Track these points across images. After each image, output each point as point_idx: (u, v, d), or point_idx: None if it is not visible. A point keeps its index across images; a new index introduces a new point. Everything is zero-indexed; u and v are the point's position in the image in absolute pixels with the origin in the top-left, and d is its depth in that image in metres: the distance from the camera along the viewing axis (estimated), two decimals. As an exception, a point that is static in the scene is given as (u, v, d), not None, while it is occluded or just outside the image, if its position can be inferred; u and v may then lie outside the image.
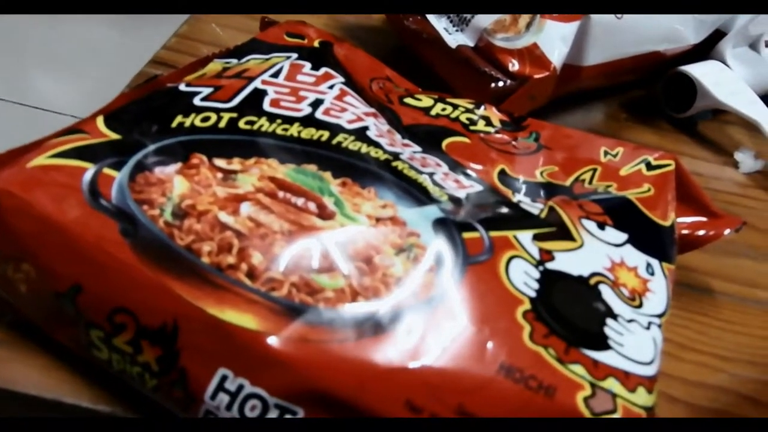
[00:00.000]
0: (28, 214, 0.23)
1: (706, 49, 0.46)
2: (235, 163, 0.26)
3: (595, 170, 0.31)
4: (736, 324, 0.34)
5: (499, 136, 0.33)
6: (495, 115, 0.34)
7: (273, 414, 0.21)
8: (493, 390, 0.20)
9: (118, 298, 0.23)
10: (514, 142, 0.32)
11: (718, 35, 0.46)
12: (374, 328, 0.22)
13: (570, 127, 0.35)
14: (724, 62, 0.45)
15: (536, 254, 0.24)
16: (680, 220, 0.32)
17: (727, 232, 0.32)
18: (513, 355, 0.21)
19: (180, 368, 0.22)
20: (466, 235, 0.24)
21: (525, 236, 0.25)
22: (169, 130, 0.27)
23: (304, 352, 0.21)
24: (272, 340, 0.21)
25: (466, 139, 0.32)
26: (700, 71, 0.44)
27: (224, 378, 0.22)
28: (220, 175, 0.25)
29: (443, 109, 0.34)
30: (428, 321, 0.22)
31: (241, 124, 0.28)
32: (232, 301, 0.22)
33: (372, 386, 0.21)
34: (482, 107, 0.34)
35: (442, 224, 0.24)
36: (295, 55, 0.33)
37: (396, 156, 0.27)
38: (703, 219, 0.32)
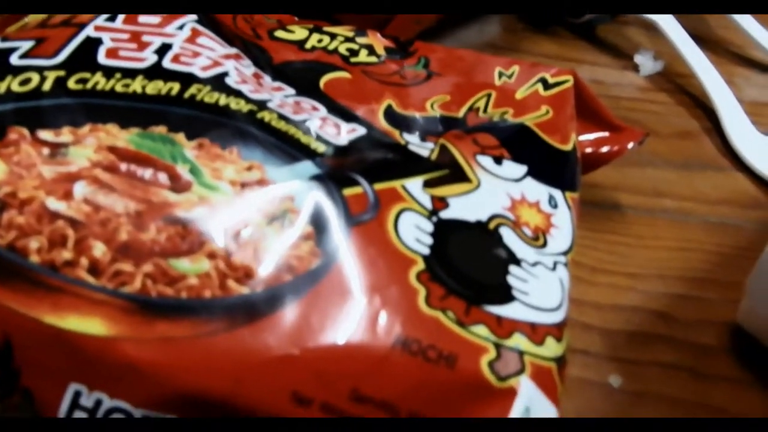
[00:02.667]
0: None
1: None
2: (66, 134, 0.22)
3: (489, 96, 0.28)
4: (646, 238, 0.33)
5: (383, 66, 0.29)
6: (379, 42, 0.31)
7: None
8: (390, 368, 0.18)
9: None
10: (401, 72, 0.29)
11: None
12: (248, 314, 0.19)
13: (465, 47, 0.32)
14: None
15: (428, 204, 0.22)
16: (582, 137, 0.30)
17: (630, 145, 0.30)
18: (408, 324, 0.19)
19: (23, 389, 0.19)
20: (347, 191, 0.21)
21: (414, 184, 0.22)
22: (-22, 99, 0.22)
23: (167, 353, 0.18)
24: (127, 345, 0.18)
25: (346, 74, 0.28)
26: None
27: (78, 394, 0.18)
28: (46, 150, 0.21)
29: (319, 41, 0.30)
30: (311, 298, 0.19)
31: (71, 83, 0.23)
32: (72, 305, 0.18)
33: (251, 381, 0.18)
34: (364, 35, 0.30)
35: (318, 182, 0.21)
36: (135, -8, 0.28)
37: (262, 105, 0.24)
38: (606, 134, 0.31)
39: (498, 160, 0.24)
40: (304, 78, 0.27)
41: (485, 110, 0.27)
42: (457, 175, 0.23)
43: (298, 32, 0.30)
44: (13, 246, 0.19)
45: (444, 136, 0.25)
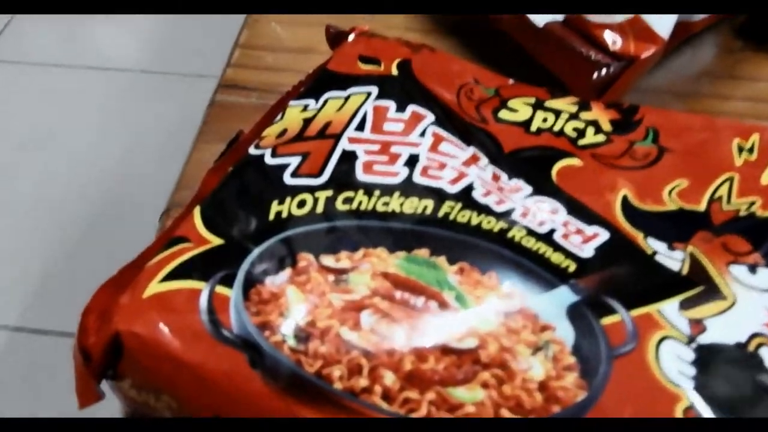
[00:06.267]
0: (156, 356, 0.24)
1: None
2: (344, 259, 0.25)
3: (731, 180, 0.27)
4: None
5: (612, 146, 0.29)
6: (603, 116, 0.31)
7: None
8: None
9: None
10: (630, 152, 0.29)
11: None
12: (523, 443, 0.21)
13: (678, 79, 0.30)
14: None
15: (686, 328, 0.22)
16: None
17: None
18: (678, 464, 0.20)
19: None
20: (605, 320, 0.22)
21: (670, 308, 0.23)
22: (268, 225, 0.26)
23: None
24: (421, 468, 0.21)
25: (576, 162, 0.29)
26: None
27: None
28: (331, 277, 0.24)
29: (544, 120, 0.30)
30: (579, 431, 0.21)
31: (339, 204, 0.26)
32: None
33: None
34: (587, 108, 0.31)
35: (577, 312, 0.22)
36: (375, 91, 0.30)
37: (510, 221, 0.25)
38: None
39: (752, 269, 0.24)
40: (536, 168, 0.28)
41: (729, 200, 0.26)
42: (712, 292, 0.23)
43: (522, 111, 0.31)
44: (320, 374, 0.22)
45: (692, 242, 0.25)
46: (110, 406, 0.27)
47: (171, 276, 0.25)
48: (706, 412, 0.21)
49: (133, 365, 0.24)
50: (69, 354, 0.25)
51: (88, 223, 0.95)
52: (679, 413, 0.21)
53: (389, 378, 0.22)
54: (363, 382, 0.22)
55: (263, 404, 0.22)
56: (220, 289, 0.24)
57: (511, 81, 0.33)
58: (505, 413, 0.21)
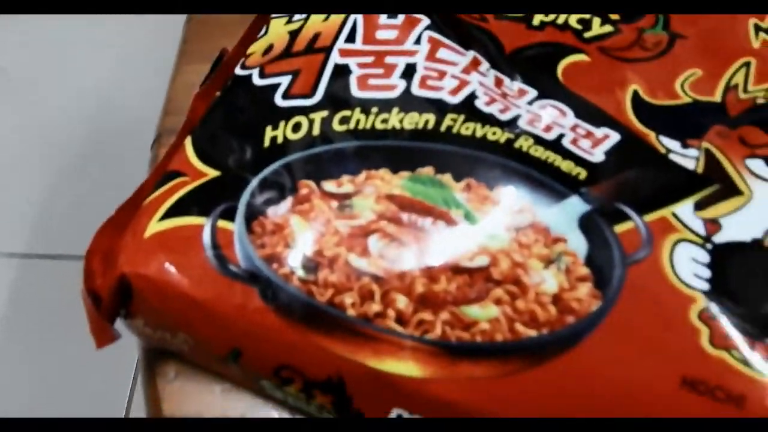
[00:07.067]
0: (165, 295, 0.23)
1: None
2: (346, 184, 0.24)
3: (748, 65, 0.26)
4: None
5: (620, 37, 0.27)
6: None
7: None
8: (679, 405, 0.20)
9: (279, 358, 0.23)
10: (640, 42, 0.27)
11: None
12: (538, 356, 0.21)
13: None
14: None
15: (701, 229, 0.22)
16: None
17: None
18: (694, 366, 0.20)
19: (355, 410, 0.23)
20: (619, 228, 0.22)
21: (685, 209, 0.22)
22: (264, 152, 0.25)
23: (473, 392, 0.21)
24: (438, 386, 0.21)
25: (583, 57, 0.27)
26: None
27: (400, 416, 0.22)
28: (334, 203, 0.24)
29: (546, 14, 0.28)
30: (594, 340, 0.21)
31: (335, 125, 0.25)
32: (388, 351, 0.22)
33: (551, 417, 0.21)
34: (592, -4, 0.29)
35: (589, 221, 0.22)
36: (363, -5, 0.28)
37: (516, 131, 0.24)
38: None
39: (769, 161, 0.23)
40: (541, 67, 0.27)
41: (746, 88, 0.25)
42: (727, 188, 0.22)
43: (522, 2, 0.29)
44: (332, 302, 0.22)
45: (707, 137, 0.24)
46: (129, 344, 0.27)
47: (170, 213, 0.24)
48: (720, 312, 0.20)
49: (144, 305, 0.24)
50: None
51: (79, 152, 0.94)
52: (693, 317, 0.21)
53: (402, 301, 0.22)
54: (376, 307, 0.22)
55: (279, 337, 0.23)
56: (222, 224, 0.24)
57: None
58: (520, 328, 0.21)
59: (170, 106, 0.35)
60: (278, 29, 0.29)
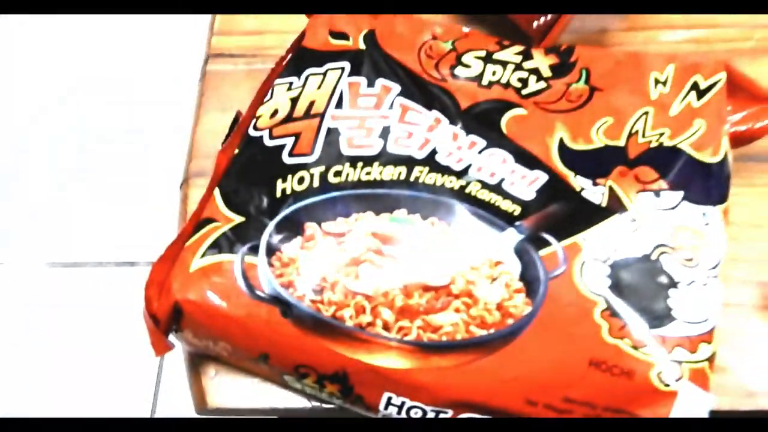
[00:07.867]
0: (209, 314, 0.31)
1: None
2: (341, 224, 0.32)
3: (647, 114, 0.33)
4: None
5: (551, 92, 0.35)
6: (544, 62, 0.36)
7: (430, 415, 0.30)
8: (588, 380, 0.28)
9: (297, 359, 0.31)
10: (566, 95, 0.35)
11: None
12: (488, 349, 0.29)
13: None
14: None
15: (602, 251, 0.29)
16: (734, 117, 0.34)
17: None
18: (597, 351, 0.28)
19: (356, 395, 0.31)
20: (543, 252, 0.29)
21: (592, 234, 0.30)
22: (277, 201, 0.32)
23: (442, 377, 0.29)
24: (416, 374, 0.29)
25: (521, 111, 0.34)
26: None
27: (390, 398, 0.30)
28: (333, 240, 0.31)
29: (494, 73, 0.36)
30: (527, 336, 0.28)
31: (331, 177, 0.33)
32: (378, 350, 0.30)
33: (499, 393, 0.29)
34: (529, 57, 0.36)
35: (522, 248, 0.29)
36: (348, 67, 0.35)
37: (467, 178, 0.32)
38: (756, 108, 0.34)
39: (657, 194, 0.30)
40: (489, 121, 0.34)
41: (644, 133, 0.32)
42: (624, 218, 0.30)
43: (474, 66, 0.36)
44: (334, 316, 0.30)
45: (611, 176, 0.31)
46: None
47: (208, 252, 0.32)
48: (616, 311, 0.28)
49: (192, 323, 0.32)
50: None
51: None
52: (597, 315, 0.28)
53: (386, 313, 0.30)
54: (367, 318, 0.30)
55: (297, 343, 0.30)
56: (249, 258, 0.31)
57: (465, 29, 0.38)
58: (474, 329, 0.29)
59: (194, 151, 0.43)
60: (281, 94, 0.36)
